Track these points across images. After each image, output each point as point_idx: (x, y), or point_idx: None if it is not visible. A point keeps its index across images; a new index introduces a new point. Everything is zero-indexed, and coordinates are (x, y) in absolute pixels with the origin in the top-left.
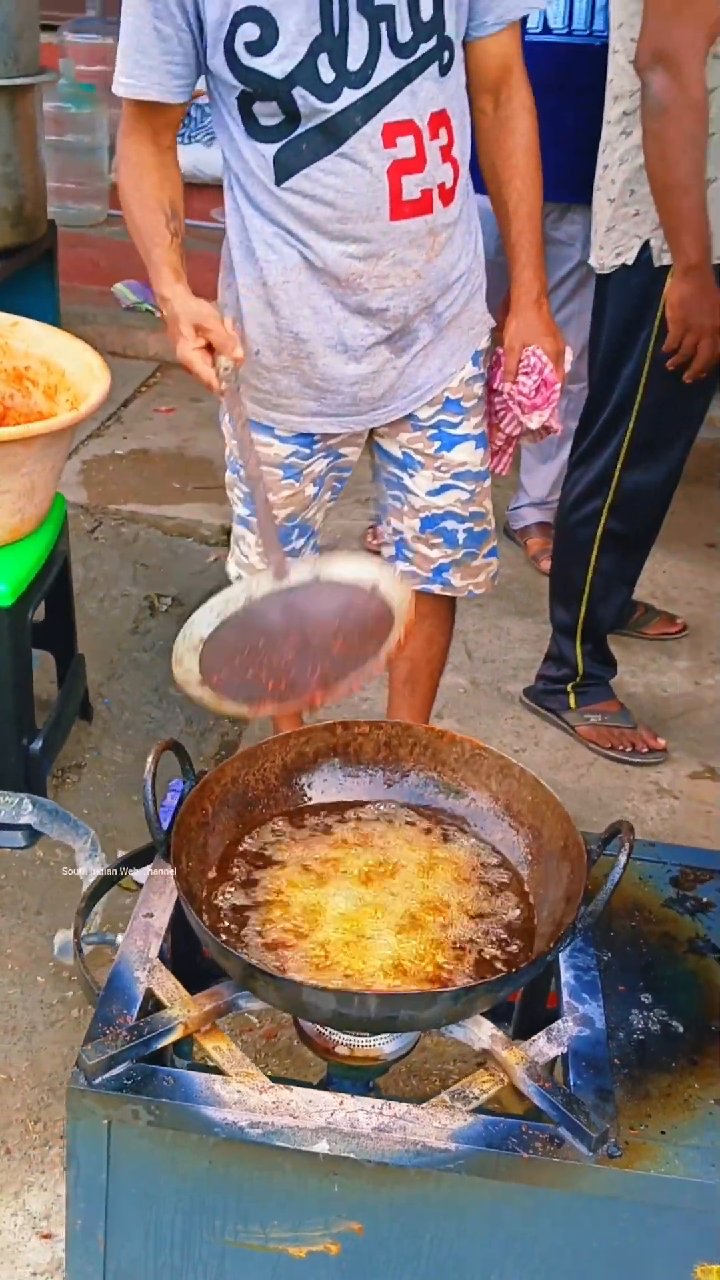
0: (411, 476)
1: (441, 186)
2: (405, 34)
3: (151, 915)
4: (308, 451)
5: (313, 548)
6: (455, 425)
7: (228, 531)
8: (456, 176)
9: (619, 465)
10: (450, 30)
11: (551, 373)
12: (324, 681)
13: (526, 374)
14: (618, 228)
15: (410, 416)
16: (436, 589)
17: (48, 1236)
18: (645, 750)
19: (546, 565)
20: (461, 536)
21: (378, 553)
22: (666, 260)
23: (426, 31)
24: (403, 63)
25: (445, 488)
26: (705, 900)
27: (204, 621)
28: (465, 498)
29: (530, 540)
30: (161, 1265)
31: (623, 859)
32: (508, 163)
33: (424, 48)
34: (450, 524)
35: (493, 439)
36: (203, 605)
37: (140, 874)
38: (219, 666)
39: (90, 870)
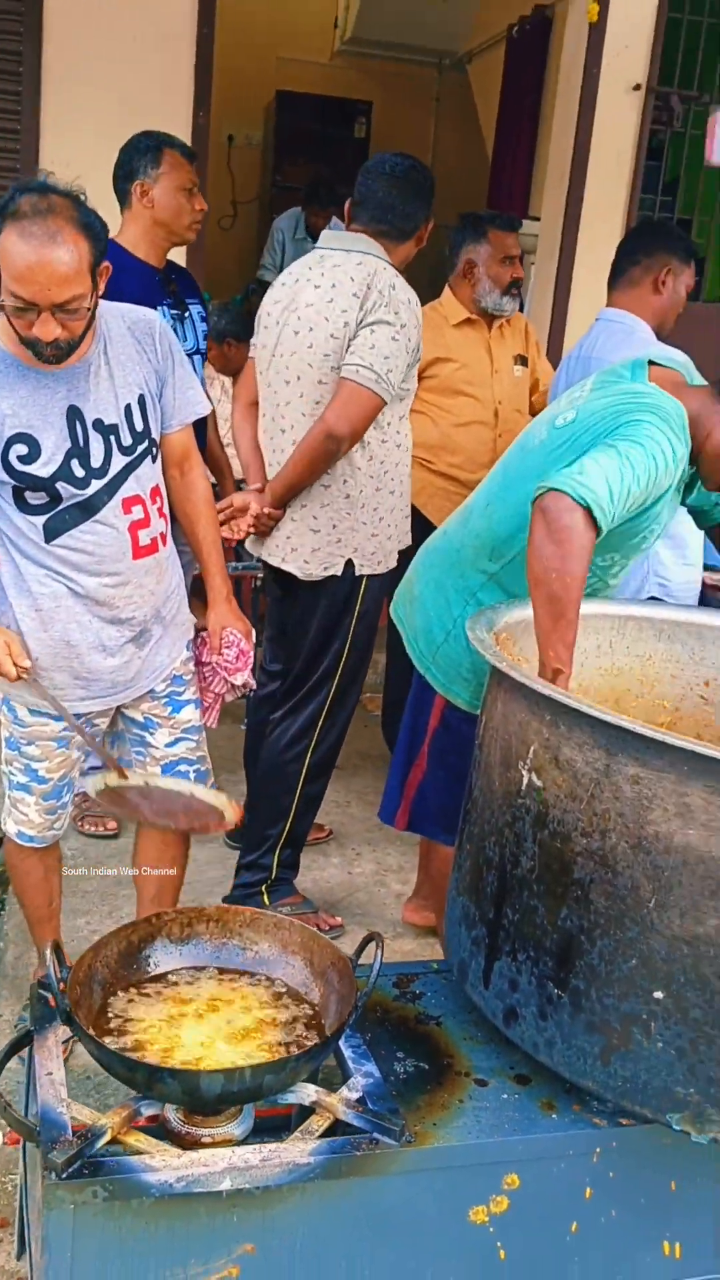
0: (152, 734)
1: (161, 534)
2: (127, 440)
3: (51, 1073)
4: None
5: (71, 800)
6: (181, 693)
7: None
8: (167, 525)
9: (323, 714)
10: (154, 434)
11: (246, 644)
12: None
13: (228, 647)
14: (323, 550)
15: (150, 691)
16: None
17: None
18: (327, 928)
19: None
20: (192, 776)
21: None
22: (365, 571)
23: (140, 437)
24: (128, 459)
25: (178, 740)
26: (418, 992)
27: (92, 787)
28: (193, 745)
29: None
30: None
31: (379, 954)
32: (194, 511)
33: (140, 448)
34: (184, 767)
35: (204, 698)
36: (85, 777)
37: None
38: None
39: None
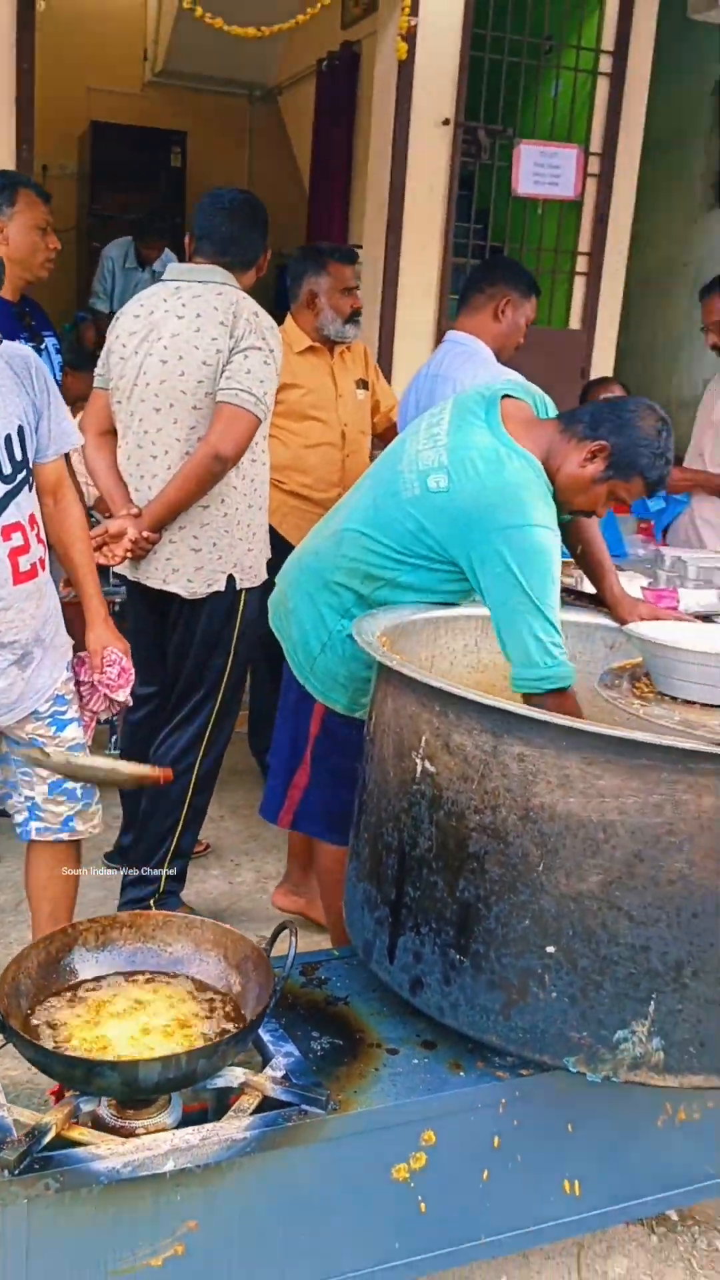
0: None
1: (40, 560)
2: (7, 470)
3: None
4: None
5: None
6: (64, 713)
7: None
8: (45, 550)
9: (209, 727)
10: (31, 463)
11: (126, 662)
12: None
13: (109, 666)
14: (206, 568)
15: (34, 712)
16: (65, 836)
17: None
18: None
19: None
20: (79, 792)
21: None
22: (245, 584)
23: (19, 466)
24: (8, 487)
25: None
26: (324, 978)
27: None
28: None
29: None
30: None
31: (294, 942)
32: (69, 535)
33: (19, 477)
34: (70, 784)
35: (83, 716)
36: None
37: None
38: None
39: None
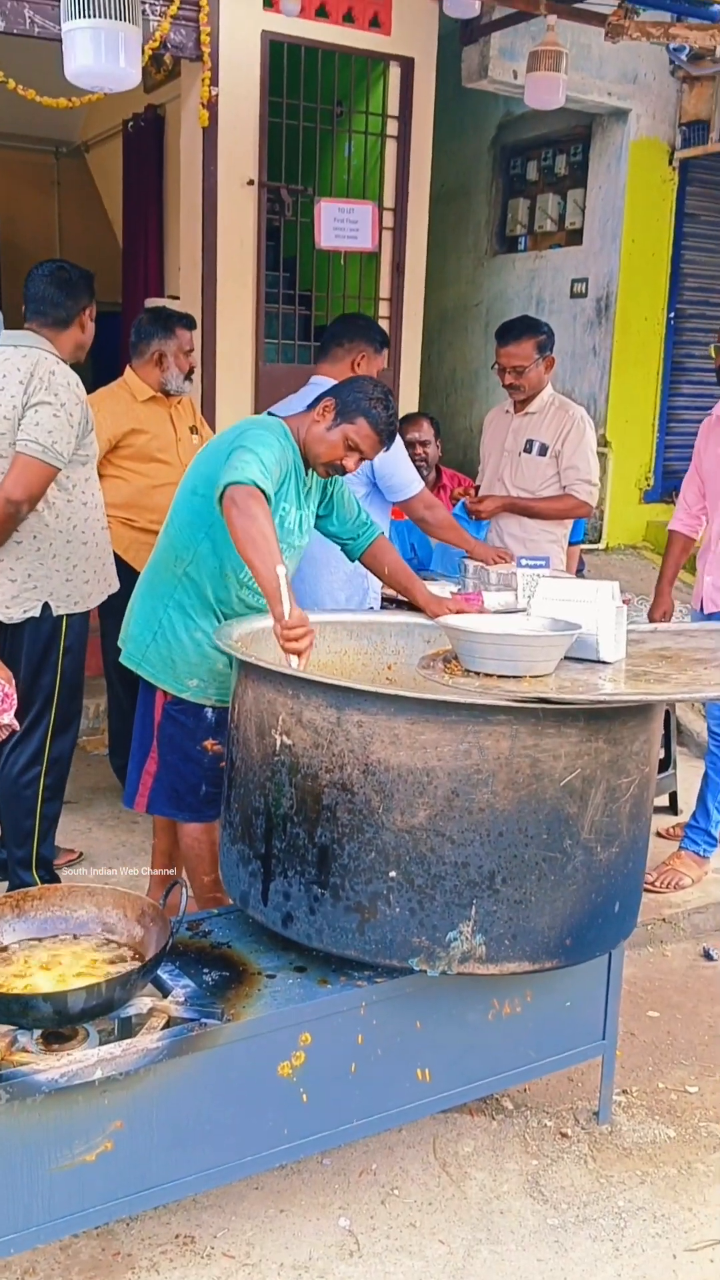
0: None
1: None
2: None
3: None
4: None
5: None
6: None
7: None
8: None
9: (49, 740)
10: None
11: (9, 687)
12: None
13: None
14: (21, 596)
15: None
16: None
17: None
18: None
19: None
20: None
21: None
22: (63, 610)
23: None
24: None
25: None
26: (208, 930)
27: None
28: None
29: None
30: (16, 1204)
31: (185, 894)
32: None
33: None
34: None
35: None
36: None
37: None
38: None
39: None
